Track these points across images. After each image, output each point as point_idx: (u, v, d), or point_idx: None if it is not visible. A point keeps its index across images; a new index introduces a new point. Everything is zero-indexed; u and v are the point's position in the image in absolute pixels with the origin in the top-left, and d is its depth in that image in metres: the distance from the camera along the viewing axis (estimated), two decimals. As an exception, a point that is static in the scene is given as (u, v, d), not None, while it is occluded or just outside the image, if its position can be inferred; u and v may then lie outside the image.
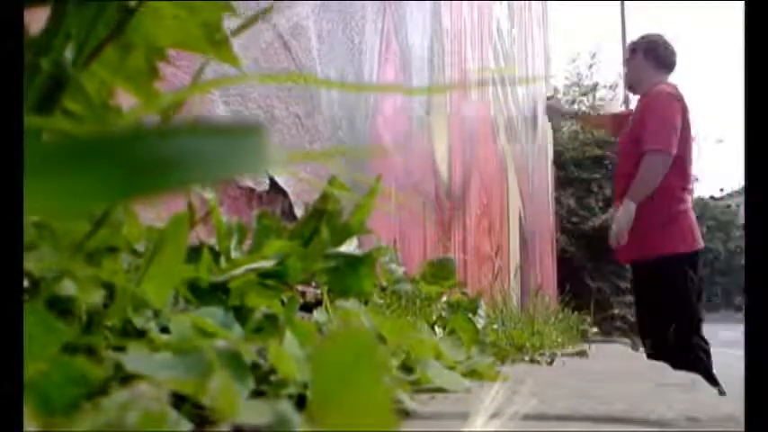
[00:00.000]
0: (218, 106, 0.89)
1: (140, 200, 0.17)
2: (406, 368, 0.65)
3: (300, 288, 0.69)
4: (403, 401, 0.52)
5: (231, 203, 0.90)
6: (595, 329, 3.74)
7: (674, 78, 3.33)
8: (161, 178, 0.17)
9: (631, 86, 3.46)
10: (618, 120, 3.71)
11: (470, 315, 1.04)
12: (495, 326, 1.44)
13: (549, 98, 4.01)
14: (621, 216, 3.05)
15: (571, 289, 4.14)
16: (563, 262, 7.72)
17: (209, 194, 0.62)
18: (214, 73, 0.87)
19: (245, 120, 0.94)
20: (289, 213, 1.07)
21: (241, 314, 0.51)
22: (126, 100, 0.38)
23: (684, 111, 3.10)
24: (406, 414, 0.51)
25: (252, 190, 0.97)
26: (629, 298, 8.64)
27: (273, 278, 0.56)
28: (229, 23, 0.39)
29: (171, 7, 0.36)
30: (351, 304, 0.67)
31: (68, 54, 0.32)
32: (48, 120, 0.31)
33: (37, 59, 0.31)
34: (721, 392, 2.29)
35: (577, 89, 10.05)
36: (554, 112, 4.29)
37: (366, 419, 0.26)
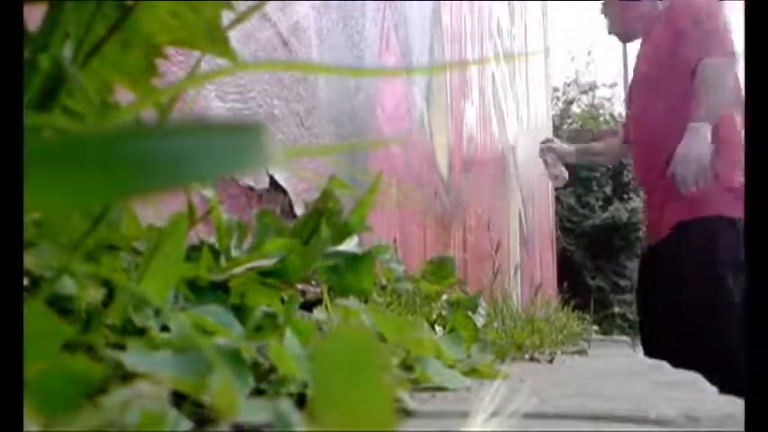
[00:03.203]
0: (217, 104, 0.89)
1: (140, 198, 0.17)
2: (406, 366, 0.65)
3: (300, 286, 0.69)
4: (403, 400, 0.52)
5: (231, 202, 0.90)
6: (596, 328, 3.74)
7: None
8: (161, 176, 0.17)
9: (625, 29, 2.53)
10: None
11: (470, 313, 1.04)
12: (495, 324, 1.44)
13: (543, 143, 3.03)
14: (692, 145, 2.09)
15: (571, 287, 4.13)
16: (563, 260, 7.73)
17: (209, 193, 0.62)
18: (210, 70, 0.87)
19: (245, 117, 0.94)
20: (289, 212, 1.07)
21: (241, 312, 0.51)
22: (125, 97, 0.38)
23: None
24: (406, 413, 0.51)
25: (252, 188, 0.97)
26: (629, 296, 8.68)
27: (273, 277, 0.56)
28: (227, 20, 0.39)
29: (169, 4, 0.36)
30: (351, 303, 0.67)
31: (67, 52, 0.32)
32: (47, 117, 0.31)
33: (35, 57, 0.31)
34: None
35: (577, 88, 10.05)
36: (550, 156, 3.04)
37: (366, 418, 0.25)
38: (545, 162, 2.96)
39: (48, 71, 0.31)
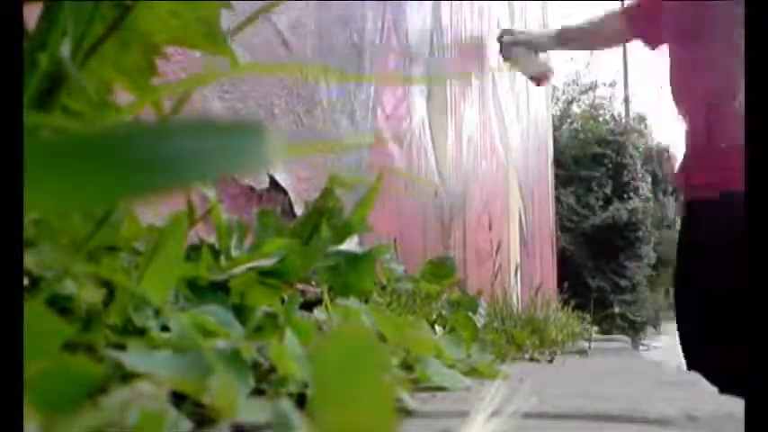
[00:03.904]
0: (217, 104, 0.88)
1: (140, 198, 0.17)
2: (406, 366, 0.65)
3: (301, 286, 0.69)
4: (403, 400, 0.52)
5: (231, 202, 0.90)
6: (596, 328, 3.74)
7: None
8: (161, 176, 0.17)
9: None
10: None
11: (470, 313, 1.04)
12: (495, 324, 1.44)
13: (501, 36, 2.23)
14: None
15: (571, 287, 4.13)
16: (563, 260, 7.73)
17: (209, 193, 0.62)
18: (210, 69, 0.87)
19: (245, 117, 0.94)
20: (289, 211, 1.07)
21: (241, 312, 0.51)
22: (124, 97, 0.38)
23: None
24: (406, 413, 0.51)
25: (252, 188, 0.97)
26: (629, 296, 8.68)
27: (274, 276, 0.56)
28: (228, 22, 0.39)
29: (168, 3, 0.36)
30: (351, 303, 0.67)
31: (65, 51, 0.32)
32: (46, 117, 0.31)
33: (34, 56, 0.31)
34: None
35: (577, 87, 10.05)
36: (518, 50, 2.14)
37: (366, 418, 0.25)
38: (516, 64, 2.09)
39: (46, 70, 0.31)
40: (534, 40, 2.16)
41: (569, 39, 2.23)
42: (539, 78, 2.17)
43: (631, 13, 2.14)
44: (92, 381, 0.29)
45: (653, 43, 2.08)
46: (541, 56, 2.09)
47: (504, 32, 2.25)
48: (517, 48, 2.10)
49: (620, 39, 2.23)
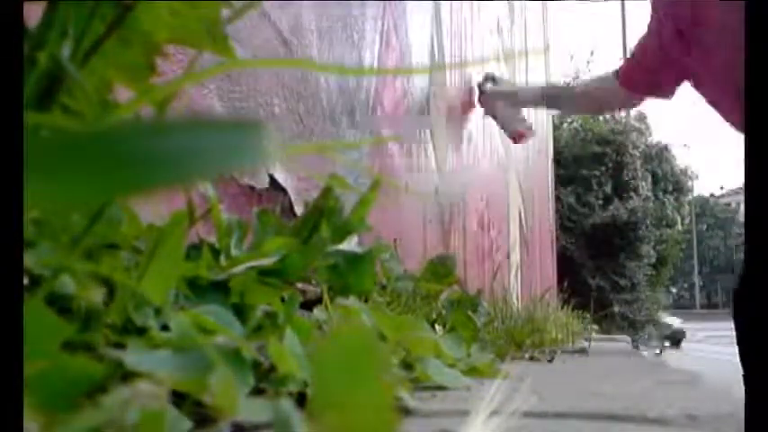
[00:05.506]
0: (217, 104, 0.88)
1: (140, 196, 0.17)
2: (407, 366, 0.65)
3: (300, 286, 0.69)
4: (403, 399, 0.52)
5: (231, 201, 0.90)
6: (596, 327, 3.74)
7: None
8: (160, 174, 0.17)
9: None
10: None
11: (470, 313, 1.04)
12: (495, 324, 1.44)
13: (483, 83, 2.10)
14: None
15: (571, 286, 4.13)
16: (563, 259, 7.73)
17: (209, 192, 0.62)
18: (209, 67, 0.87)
19: (244, 116, 0.94)
20: (289, 211, 1.07)
21: (241, 312, 0.51)
22: (124, 96, 0.38)
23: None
24: (406, 412, 0.51)
25: (252, 188, 0.97)
26: (629, 295, 8.68)
27: (274, 276, 0.56)
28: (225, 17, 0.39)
29: (169, 3, 0.36)
30: (351, 302, 0.67)
31: (66, 50, 0.32)
32: (46, 116, 0.31)
33: (34, 55, 0.31)
34: None
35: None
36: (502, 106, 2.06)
37: (367, 417, 0.25)
38: (494, 117, 2.00)
39: (46, 69, 0.31)
40: (517, 96, 2.05)
41: (555, 97, 2.12)
42: (516, 136, 2.03)
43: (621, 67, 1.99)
44: (92, 380, 0.29)
45: (633, 90, 1.92)
46: (523, 112, 2.00)
47: (487, 79, 2.11)
48: (498, 102, 2.00)
49: (613, 102, 2.10)
